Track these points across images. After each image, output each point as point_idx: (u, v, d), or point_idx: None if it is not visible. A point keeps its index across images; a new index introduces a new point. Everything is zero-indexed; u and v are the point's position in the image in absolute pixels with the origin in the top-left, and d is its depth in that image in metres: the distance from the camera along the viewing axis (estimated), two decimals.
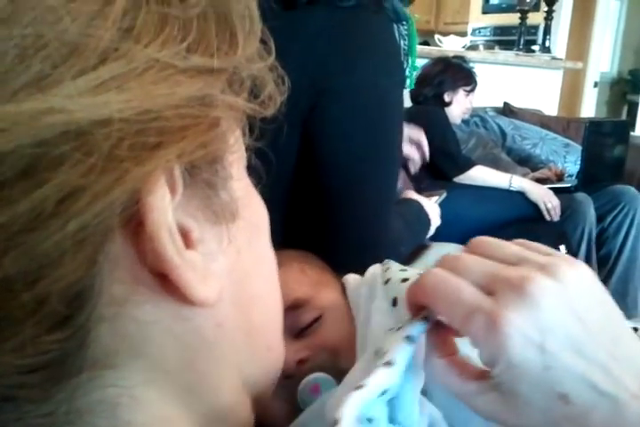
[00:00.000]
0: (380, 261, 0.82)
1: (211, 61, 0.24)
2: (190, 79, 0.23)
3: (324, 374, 0.46)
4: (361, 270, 0.82)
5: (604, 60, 5.82)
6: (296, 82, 0.84)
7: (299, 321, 0.49)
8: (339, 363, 0.48)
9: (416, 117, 2.23)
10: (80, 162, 0.19)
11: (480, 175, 2.17)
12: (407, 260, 0.99)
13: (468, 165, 2.18)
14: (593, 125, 2.32)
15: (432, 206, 1.13)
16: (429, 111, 2.27)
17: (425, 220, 1.07)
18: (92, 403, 0.23)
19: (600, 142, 2.33)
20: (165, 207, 0.23)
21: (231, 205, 0.27)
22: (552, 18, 3.54)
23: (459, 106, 2.36)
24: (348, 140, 0.77)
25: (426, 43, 4.50)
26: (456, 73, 2.33)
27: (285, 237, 0.70)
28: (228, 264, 0.28)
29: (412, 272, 0.48)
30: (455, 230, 2.03)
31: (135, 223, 0.22)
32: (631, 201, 2.34)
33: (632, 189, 2.38)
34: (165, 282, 0.24)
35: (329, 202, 0.79)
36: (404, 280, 0.46)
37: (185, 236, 0.24)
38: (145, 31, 0.22)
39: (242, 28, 0.27)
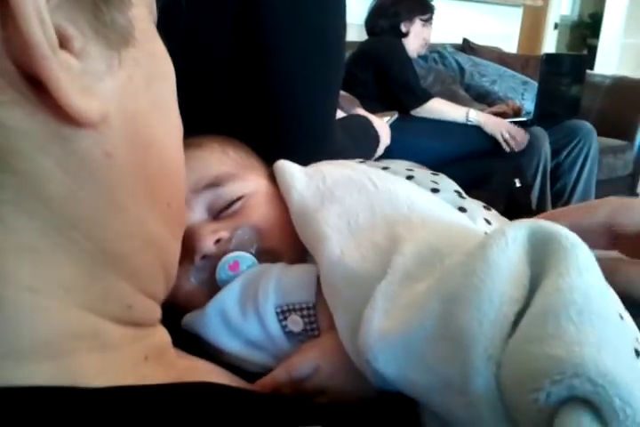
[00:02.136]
0: None
1: None
2: None
3: (243, 252, 0.43)
4: None
5: (564, 2, 5.76)
6: None
7: (218, 200, 0.45)
8: (261, 244, 0.45)
9: (372, 49, 2.17)
10: None
11: (438, 108, 2.14)
12: None
13: (426, 96, 2.14)
14: (550, 58, 2.29)
15: (381, 124, 1.09)
16: (386, 42, 2.21)
17: (373, 135, 1.03)
18: None
19: (556, 77, 2.31)
20: None
21: (126, 28, 0.25)
22: None
23: (416, 37, 2.30)
24: (290, 31, 0.71)
25: None
26: (411, 2, 2.26)
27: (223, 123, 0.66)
28: (117, 89, 0.26)
29: None
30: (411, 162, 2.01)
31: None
32: (586, 136, 2.35)
33: (587, 123, 2.39)
34: (39, 88, 0.22)
35: (271, 87, 0.74)
36: None
37: (62, 38, 0.22)
38: None
39: None
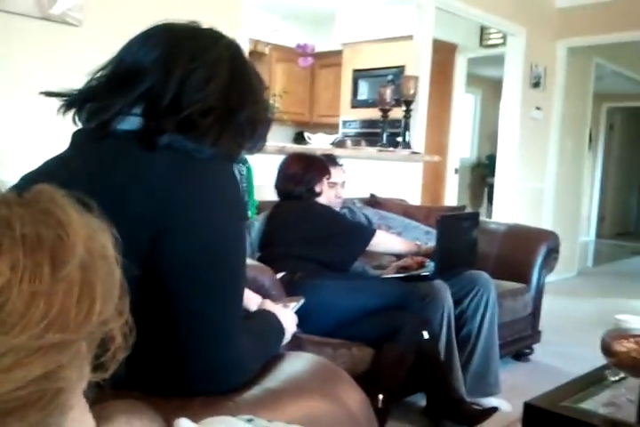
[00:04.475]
0: (229, 381, 0.89)
1: (64, 336, 0.27)
2: (41, 357, 0.27)
3: None
4: (212, 393, 0.90)
5: (463, 146, 6.43)
6: (138, 219, 0.95)
7: None
8: None
9: (295, 211, 2.43)
10: None
11: (386, 239, 2.52)
12: (259, 373, 1.04)
13: (373, 229, 2.53)
14: (445, 218, 2.56)
15: (287, 314, 1.22)
16: (310, 204, 2.51)
17: (278, 329, 1.15)
18: None
19: (452, 234, 2.54)
20: None
21: None
22: (410, 116, 3.92)
23: (326, 195, 2.59)
24: (190, 269, 0.86)
25: (300, 134, 4.80)
26: (318, 166, 2.58)
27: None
28: None
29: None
30: (327, 318, 2.16)
31: None
32: (484, 285, 2.57)
33: (484, 273, 2.62)
34: None
35: (173, 327, 0.87)
36: None
37: None
38: (11, 317, 0.26)
39: (102, 294, 0.30)
